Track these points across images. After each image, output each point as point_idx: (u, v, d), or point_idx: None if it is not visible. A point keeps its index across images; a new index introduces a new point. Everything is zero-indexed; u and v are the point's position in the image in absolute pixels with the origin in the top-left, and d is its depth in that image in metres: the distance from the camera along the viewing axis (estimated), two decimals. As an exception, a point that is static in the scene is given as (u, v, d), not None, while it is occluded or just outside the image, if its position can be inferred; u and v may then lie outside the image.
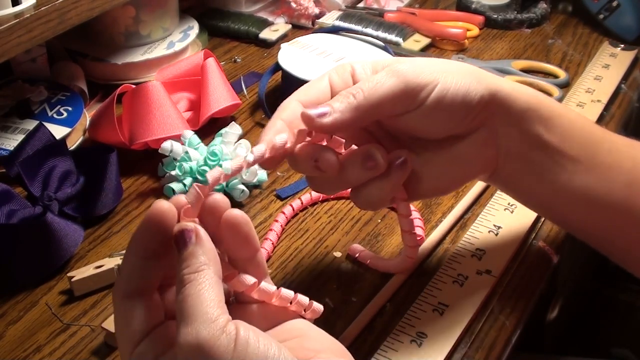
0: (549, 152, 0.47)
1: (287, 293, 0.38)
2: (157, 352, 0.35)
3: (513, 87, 0.46)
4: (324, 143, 0.45)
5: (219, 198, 0.38)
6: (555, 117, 0.47)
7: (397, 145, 0.48)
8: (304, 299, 0.39)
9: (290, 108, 0.45)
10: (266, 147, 0.42)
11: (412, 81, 0.43)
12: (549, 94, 0.75)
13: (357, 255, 0.56)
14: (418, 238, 0.52)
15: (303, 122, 0.43)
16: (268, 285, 0.38)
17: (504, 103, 0.46)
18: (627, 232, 0.47)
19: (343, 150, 0.46)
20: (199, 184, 0.37)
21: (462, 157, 0.47)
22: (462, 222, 0.59)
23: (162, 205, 0.36)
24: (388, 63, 0.45)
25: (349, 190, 0.47)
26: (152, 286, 0.37)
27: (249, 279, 0.38)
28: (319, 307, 0.40)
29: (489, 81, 0.45)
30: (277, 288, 0.39)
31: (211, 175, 0.38)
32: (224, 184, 0.61)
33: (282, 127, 0.44)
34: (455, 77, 0.44)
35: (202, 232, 0.36)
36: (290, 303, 0.39)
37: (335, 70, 0.47)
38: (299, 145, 0.44)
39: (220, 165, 0.60)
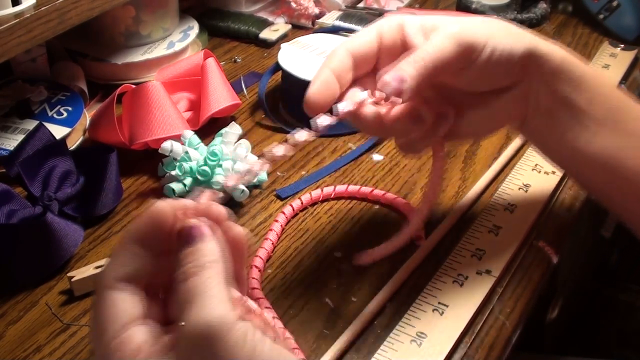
0: (574, 112, 0.49)
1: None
2: (147, 339, 0.33)
3: (549, 46, 0.49)
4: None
5: (222, 210, 0.37)
6: (586, 80, 0.49)
7: (440, 97, 0.51)
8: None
9: (339, 57, 0.48)
10: (347, 103, 0.45)
11: (467, 42, 0.46)
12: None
13: (365, 259, 0.54)
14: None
15: (380, 88, 0.45)
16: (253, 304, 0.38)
17: (539, 60, 0.48)
18: None
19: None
20: (212, 190, 0.37)
21: (497, 109, 0.50)
22: (462, 221, 0.59)
23: (164, 204, 0.35)
24: (438, 25, 0.48)
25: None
26: (140, 278, 0.35)
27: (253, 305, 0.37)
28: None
29: (528, 39, 0.48)
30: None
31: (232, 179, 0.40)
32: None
33: (330, 77, 0.47)
34: (500, 36, 0.47)
35: (209, 231, 0.35)
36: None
37: (386, 23, 0.49)
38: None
39: (220, 165, 0.60)
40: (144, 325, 0.33)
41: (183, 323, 0.31)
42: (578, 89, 0.49)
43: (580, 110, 0.49)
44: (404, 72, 0.45)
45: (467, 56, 0.46)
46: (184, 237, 0.34)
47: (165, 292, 0.36)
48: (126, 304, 0.33)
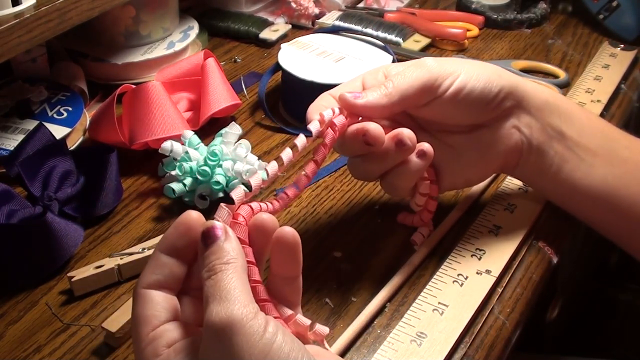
0: (568, 143, 0.50)
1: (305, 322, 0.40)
2: (176, 336, 0.36)
3: (533, 85, 0.51)
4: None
5: (266, 217, 0.39)
6: (573, 114, 0.51)
7: (427, 137, 0.51)
8: (323, 329, 0.40)
9: (325, 100, 0.50)
10: (320, 125, 0.46)
11: (436, 71, 0.48)
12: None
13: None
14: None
15: (340, 103, 0.48)
16: (304, 318, 0.40)
17: (524, 96, 0.50)
18: None
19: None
20: (227, 205, 0.38)
21: (486, 147, 0.51)
22: (462, 221, 0.59)
23: (191, 213, 0.38)
24: (416, 61, 0.50)
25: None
26: (171, 284, 0.38)
27: (305, 321, 0.39)
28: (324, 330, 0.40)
29: (510, 77, 0.50)
30: (311, 322, 0.40)
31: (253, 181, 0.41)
32: (224, 183, 0.61)
33: (329, 100, 0.50)
34: (476, 70, 0.49)
35: (231, 232, 0.37)
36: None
37: (369, 72, 0.51)
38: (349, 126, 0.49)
39: (220, 165, 0.60)
40: (174, 323, 0.37)
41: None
42: (568, 121, 0.50)
43: (573, 141, 0.50)
44: (363, 93, 0.48)
45: (437, 84, 0.48)
46: (205, 238, 0.36)
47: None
48: (157, 306, 0.37)
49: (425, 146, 0.49)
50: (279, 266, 0.40)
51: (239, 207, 0.39)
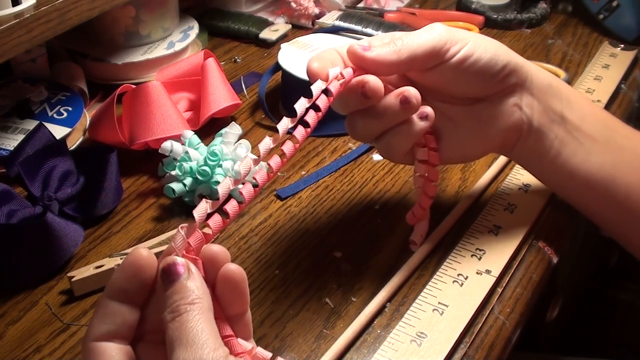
0: (568, 127, 0.50)
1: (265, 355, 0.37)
2: None
3: (537, 68, 0.50)
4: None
5: (217, 250, 0.36)
6: (575, 99, 0.51)
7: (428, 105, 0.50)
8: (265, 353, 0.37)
9: (328, 54, 0.49)
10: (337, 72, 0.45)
11: (445, 36, 0.48)
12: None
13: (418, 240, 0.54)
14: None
15: (348, 55, 0.47)
16: (263, 351, 0.37)
17: (528, 77, 0.49)
18: None
19: None
20: (185, 225, 0.35)
21: (485, 122, 0.50)
22: (462, 221, 0.59)
23: (141, 252, 0.34)
24: (426, 26, 0.49)
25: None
26: (124, 333, 0.35)
27: (266, 354, 0.36)
28: None
29: (516, 55, 0.50)
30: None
31: (223, 186, 0.37)
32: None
33: (333, 54, 0.48)
34: (484, 42, 0.49)
35: (194, 268, 0.34)
36: None
37: (375, 37, 0.50)
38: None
39: (220, 165, 0.60)
40: None
41: None
42: (569, 106, 0.50)
43: (574, 126, 0.50)
44: (371, 45, 0.47)
45: (446, 49, 0.47)
46: (167, 275, 0.34)
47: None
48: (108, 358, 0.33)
49: (428, 109, 0.48)
50: (227, 305, 0.36)
51: (192, 233, 0.35)
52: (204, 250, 0.36)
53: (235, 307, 0.36)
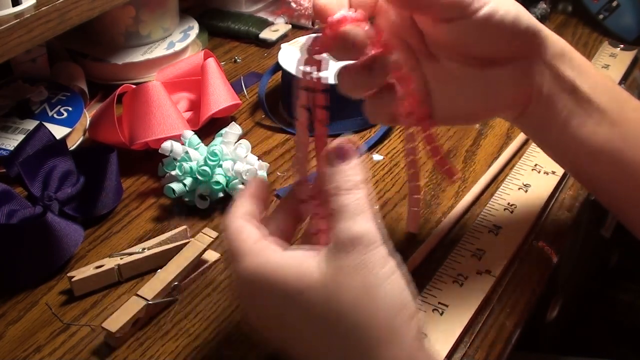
0: (578, 97, 0.48)
1: None
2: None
3: (551, 33, 0.49)
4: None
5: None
6: (586, 69, 0.49)
7: (434, 64, 0.48)
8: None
9: None
10: None
11: None
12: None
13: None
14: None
15: None
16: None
17: (544, 42, 0.48)
18: None
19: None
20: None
21: (494, 85, 0.48)
22: (462, 221, 0.59)
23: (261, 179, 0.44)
24: None
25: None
26: (256, 216, 0.42)
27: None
28: None
29: (535, 20, 0.48)
30: None
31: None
32: (224, 183, 0.61)
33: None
34: (508, 2, 0.46)
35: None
36: None
37: None
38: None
39: (220, 165, 0.60)
40: (271, 238, 0.40)
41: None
42: (581, 75, 0.49)
43: (584, 96, 0.48)
44: None
45: (469, 1, 0.44)
46: (337, 153, 0.39)
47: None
48: (251, 228, 0.40)
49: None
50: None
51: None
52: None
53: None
